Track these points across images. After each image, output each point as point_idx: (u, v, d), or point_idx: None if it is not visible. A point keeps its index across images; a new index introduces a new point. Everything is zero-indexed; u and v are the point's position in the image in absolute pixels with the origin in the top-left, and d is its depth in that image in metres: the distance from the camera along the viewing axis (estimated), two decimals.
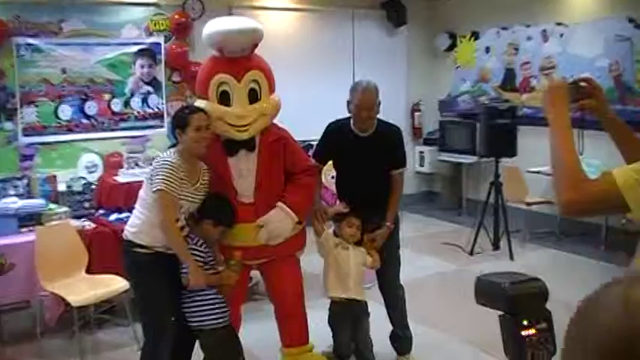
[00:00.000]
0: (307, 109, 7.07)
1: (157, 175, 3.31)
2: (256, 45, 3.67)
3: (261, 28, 3.71)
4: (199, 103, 3.62)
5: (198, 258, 3.39)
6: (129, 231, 3.49)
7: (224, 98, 3.56)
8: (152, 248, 3.40)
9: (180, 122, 3.41)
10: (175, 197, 3.30)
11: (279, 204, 3.63)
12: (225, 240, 3.58)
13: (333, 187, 5.56)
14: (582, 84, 1.93)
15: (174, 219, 3.33)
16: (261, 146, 3.63)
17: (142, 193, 3.46)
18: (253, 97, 3.60)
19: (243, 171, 3.59)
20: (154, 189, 3.30)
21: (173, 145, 3.50)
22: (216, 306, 3.44)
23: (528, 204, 7.04)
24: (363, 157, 3.91)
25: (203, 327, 3.44)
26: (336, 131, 4.08)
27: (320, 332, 3.96)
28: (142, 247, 3.41)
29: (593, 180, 1.65)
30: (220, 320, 3.45)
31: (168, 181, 3.27)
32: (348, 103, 3.91)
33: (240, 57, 3.62)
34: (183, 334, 3.52)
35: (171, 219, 3.32)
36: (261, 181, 3.60)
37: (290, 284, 3.83)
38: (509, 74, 8.08)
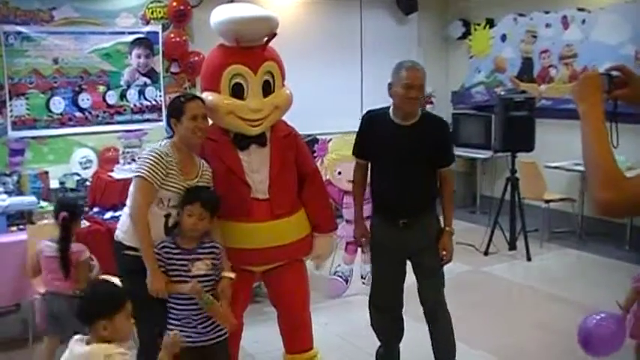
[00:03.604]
0: (314, 102, 7.02)
1: (141, 162, 3.28)
2: (274, 35, 3.61)
3: (277, 16, 3.65)
4: (208, 96, 3.52)
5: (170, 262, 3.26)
6: (119, 231, 3.43)
7: (236, 91, 3.51)
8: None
9: (175, 111, 3.35)
10: (154, 188, 3.21)
11: (321, 235, 3.79)
12: (238, 243, 3.46)
13: (340, 184, 5.56)
14: (615, 73, 1.89)
15: (145, 208, 3.22)
16: (273, 141, 3.61)
17: (130, 189, 3.38)
18: (267, 89, 3.57)
19: (255, 166, 3.55)
20: (134, 175, 3.26)
21: (169, 138, 3.45)
22: (182, 322, 3.27)
23: (547, 201, 6.99)
24: (404, 149, 3.67)
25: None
26: (374, 120, 3.85)
27: (323, 335, 3.94)
28: (132, 249, 3.31)
29: (632, 178, 1.62)
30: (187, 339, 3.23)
31: (150, 169, 3.20)
32: (390, 86, 3.66)
33: (256, 46, 3.58)
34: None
35: (140, 207, 3.22)
36: (275, 176, 3.57)
37: (297, 293, 3.80)
38: (527, 64, 8.02)
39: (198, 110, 3.32)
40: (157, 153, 3.26)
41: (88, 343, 2.54)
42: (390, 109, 3.73)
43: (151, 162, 3.22)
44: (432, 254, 3.80)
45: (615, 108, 1.91)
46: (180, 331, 3.15)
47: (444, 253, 3.78)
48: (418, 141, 3.66)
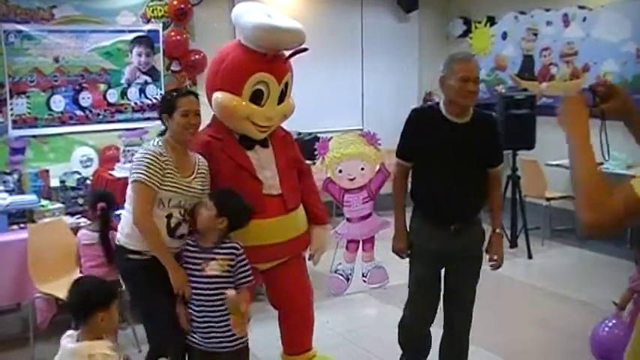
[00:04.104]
0: (314, 100, 7.04)
1: (136, 165, 3.18)
2: (304, 49, 3.67)
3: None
4: (221, 96, 3.51)
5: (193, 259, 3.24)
6: (121, 235, 3.35)
7: (255, 97, 3.53)
8: (146, 253, 3.23)
9: (166, 106, 3.28)
10: (153, 191, 3.14)
11: (319, 227, 3.84)
12: (250, 240, 3.39)
13: (341, 182, 5.56)
14: (599, 89, 1.91)
15: (148, 213, 3.17)
16: (274, 141, 3.69)
17: (128, 190, 3.30)
18: (280, 98, 3.64)
19: (264, 163, 3.59)
20: (131, 180, 3.19)
21: (162, 134, 3.38)
22: (200, 325, 3.23)
23: (548, 199, 6.99)
24: (461, 148, 3.37)
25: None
26: (424, 118, 3.52)
27: (324, 333, 3.93)
28: (135, 252, 3.26)
29: (613, 196, 1.62)
30: (195, 341, 3.25)
31: (147, 171, 3.13)
32: (443, 79, 3.37)
33: (280, 56, 3.61)
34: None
35: (144, 213, 3.16)
36: (283, 171, 3.64)
37: (302, 291, 3.80)
38: (528, 61, 8.02)
39: (190, 106, 3.24)
40: (151, 154, 3.17)
41: (78, 339, 2.58)
42: (442, 106, 3.42)
43: (147, 164, 3.14)
44: (476, 266, 3.59)
45: (603, 121, 1.92)
46: (196, 333, 3.19)
47: (496, 257, 3.54)
48: (473, 139, 3.39)
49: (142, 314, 3.43)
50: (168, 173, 3.19)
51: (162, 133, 3.37)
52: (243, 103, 3.49)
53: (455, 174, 3.38)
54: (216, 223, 3.18)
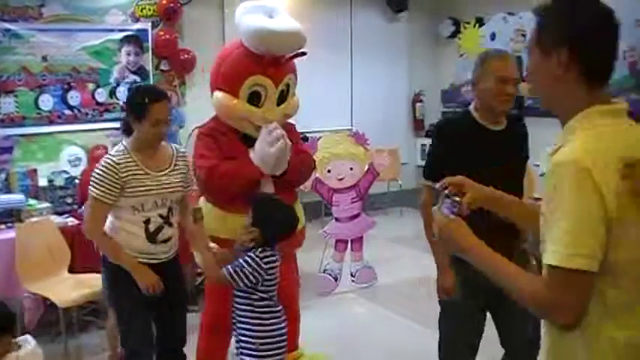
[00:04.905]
0: (303, 100, 6.94)
1: (92, 179, 3.10)
2: (304, 53, 3.67)
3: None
4: (221, 96, 3.55)
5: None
6: None
7: (253, 98, 3.56)
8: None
9: (136, 109, 3.09)
10: (107, 205, 3.07)
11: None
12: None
13: (330, 182, 5.58)
14: (446, 191, 1.83)
15: (99, 226, 3.14)
16: None
17: (87, 201, 3.24)
18: (281, 98, 3.65)
19: None
20: (89, 193, 3.13)
21: (127, 131, 3.25)
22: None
23: (536, 199, 7.02)
24: (501, 160, 2.84)
25: None
26: (456, 129, 3.01)
27: (312, 332, 3.94)
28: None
29: (548, 285, 1.49)
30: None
31: (101, 187, 3.05)
32: (475, 82, 2.94)
33: (281, 58, 3.60)
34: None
35: (95, 226, 3.14)
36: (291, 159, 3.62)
37: (288, 288, 3.77)
38: (517, 62, 8.04)
39: (162, 115, 3.09)
40: (108, 166, 3.06)
41: None
42: (473, 112, 2.97)
43: (101, 179, 3.05)
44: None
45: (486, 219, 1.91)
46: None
47: None
48: (512, 148, 3.00)
49: (121, 319, 3.32)
50: (133, 179, 3.08)
51: (125, 129, 3.27)
52: (241, 105, 3.52)
53: (499, 188, 2.56)
54: (245, 231, 2.93)
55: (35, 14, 6.38)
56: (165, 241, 3.21)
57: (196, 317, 3.90)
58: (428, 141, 9.12)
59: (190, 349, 3.62)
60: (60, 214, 5.08)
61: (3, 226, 4.67)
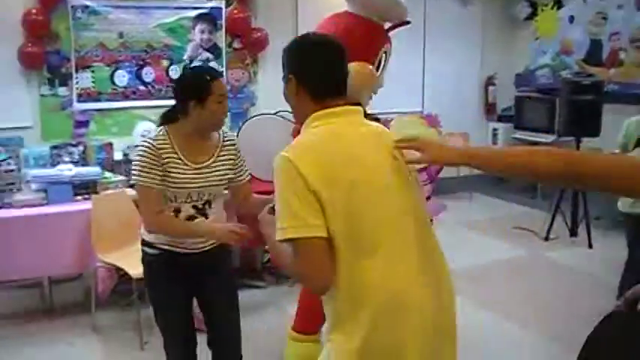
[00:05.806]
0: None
1: (133, 166, 2.91)
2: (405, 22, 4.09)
3: None
4: (363, 65, 3.59)
5: None
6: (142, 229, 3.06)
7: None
8: (158, 247, 2.97)
9: (197, 90, 2.85)
10: (155, 190, 2.84)
11: None
12: None
13: None
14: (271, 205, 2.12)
15: (156, 213, 2.88)
16: None
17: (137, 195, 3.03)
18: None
19: None
20: (134, 182, 2.94)
21: (169, 120, 2.98)
22: None
23: None
24: None
25: None
26: None
27: None
28: (148, 245, 3.01)
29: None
30: None
31: (144, 172, 2.83)
32: None
33: None
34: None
35: (151, 214, 2.89)
36: None
37: None
38: (595, 46, 7.80)
39: (224, 89, 2.92)
40: (149, 150, 2.85)
41: None
42: None
43: (144, 164, 2.84)
44: None
45: None
46: None
47: None
48: None
49: (153, 307, 3.17)
50: (170, 168, 2.86)
51: (167, 120, 2.99)
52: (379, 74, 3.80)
53: None
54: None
55: None
56: None
57: (262, 294, 3.92)
58: (500, 125, 9.10)
59: (248, 328, 3.53)
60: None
61: (79, 198, 4.79)
